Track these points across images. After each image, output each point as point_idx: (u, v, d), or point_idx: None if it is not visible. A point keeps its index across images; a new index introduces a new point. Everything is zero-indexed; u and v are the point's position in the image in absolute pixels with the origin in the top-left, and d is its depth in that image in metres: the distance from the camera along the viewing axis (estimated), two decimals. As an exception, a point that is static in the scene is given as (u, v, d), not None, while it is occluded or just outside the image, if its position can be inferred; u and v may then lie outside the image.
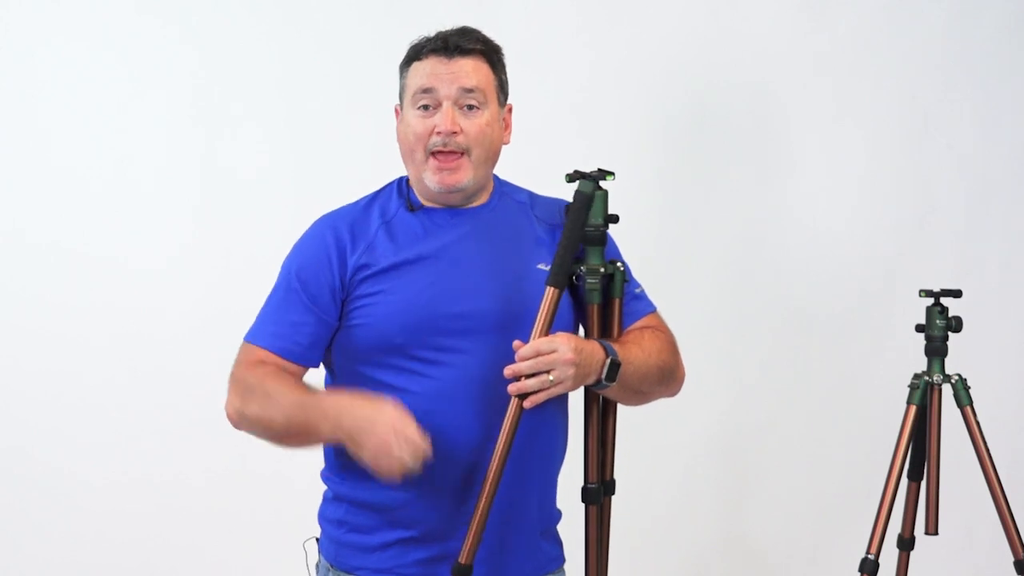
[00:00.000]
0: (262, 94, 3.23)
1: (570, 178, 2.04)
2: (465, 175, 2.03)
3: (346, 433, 1.89)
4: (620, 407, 2.13)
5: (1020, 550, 2.85)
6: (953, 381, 2.86)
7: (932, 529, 2.83)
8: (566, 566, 2.18)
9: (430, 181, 2.03)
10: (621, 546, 2.33)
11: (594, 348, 1.96)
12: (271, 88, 3.23)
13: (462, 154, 2.03)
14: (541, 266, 2.05)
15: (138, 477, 3.18)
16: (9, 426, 3.14)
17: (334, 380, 2.10)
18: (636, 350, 2.03)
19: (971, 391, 2.86)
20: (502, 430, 1.94)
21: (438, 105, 2.02)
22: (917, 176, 3.64)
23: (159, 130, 3.19)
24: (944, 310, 2.87)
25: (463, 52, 2.03)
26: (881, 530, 2.84)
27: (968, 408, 2.85)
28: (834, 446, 3.59)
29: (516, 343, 1.93)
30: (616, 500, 2.13)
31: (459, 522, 1.98)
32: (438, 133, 2.01)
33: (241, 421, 2.01)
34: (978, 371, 2.99)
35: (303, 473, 2.37)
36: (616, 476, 2.13)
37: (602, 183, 2.02)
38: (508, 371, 1.93)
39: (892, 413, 2.95)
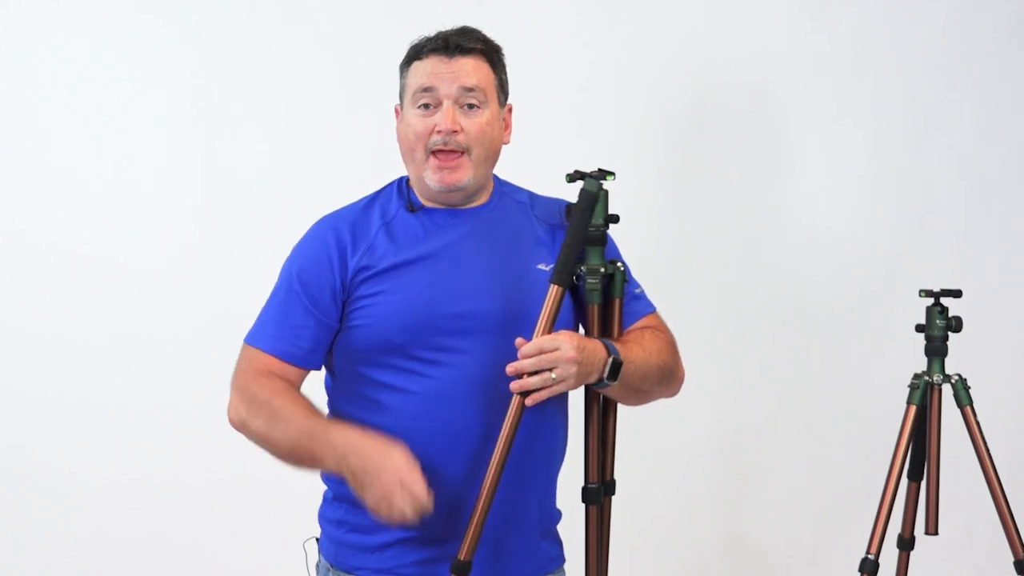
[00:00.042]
0: (262, 94, 3.23)
1: (570, 178, 2.04)
2: (465, 174, 2.03)
3: (351, 472, 1.90)
4: (620, 407, 2.13)
5: (1020, 550, 2.85)
6: (953, 381, 2.86)
7: (932, 529, 2.83)
8: (566, 566, 2.18)
9: (430, 180, 2.03)
10: (621, 546, 2.33)
11: (596, 347, 1.96)
12: (271, 88, 3.23)
13: (462, 153, 2.03)
14: (541, 266, 2.06)
15: (138, 477, 3.18)
16: (9, 426, 3.14)
17: (334, 381, 2.10)
18: (637, 349, 2.03)
19: (971, 391, 2.86)
20: (503, 427, 1.94)
21: (438, 104, 2.02)
22: (917, 176, 3.64)
23: (159, 130, 3.19)
24: (944, 310, 2.87)
25: (463, 51, 2.03)
26: (881, 530, 2.84)
27: (968, 408, 2.85)
28: (834, 446, 3.59)
29: (519, 340, 1.93)
30: (616, 500, 2.13)
31: (459, 522, 1.98)
32: (438, 132, 2.01)
33: (243, 430, 2.01)
34: (978, 371, 2.99)
35: (303, 473, 2.37)
36: (616, 476, 2.13)
37: (602, 183, 2.02)
38: (511, 368, 1.92)
39: (892, 413, 2.94)
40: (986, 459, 2.85)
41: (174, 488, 3.19)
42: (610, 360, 1.96)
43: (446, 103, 2.02)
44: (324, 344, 2.04)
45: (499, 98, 2.08)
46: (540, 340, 1.92)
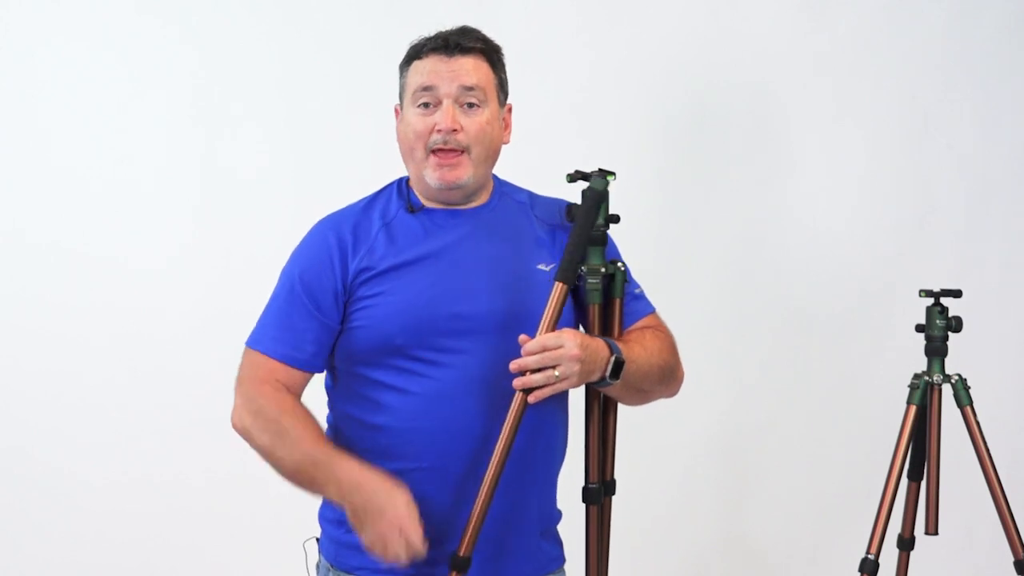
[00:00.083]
0: (262, 94, 3.23)
1: (571, 178, 2.04)
2: (465, 172, 2.03)
3: (352, 508, 1.92)
4: (620, 407, 2.13)
5: (1020, 550, 2.85)
6: (953, 381, 2.86)
7: (932, 529, 2.83)
8: (566, 566, 2.18)
9: (430, 178, 2.03)
10: (621, 546, 2.33)
11: (599, 345, 1.96)
12: (271, 88, 3.23)
13: (462, 152, 2.03)
14: (541, 266, 2.06)
15: (138, 477, 3.18)
16: (9, 426, 3.14)
17: (335, 382, 2.09)
18: (639, 349, 2.03)
19: (971, 391, 2.86)
20: (505, 424, 1.94)
21: (438, 103, 2.02)
22: (917, 176, 3.64)
23: (159, 130, 3.19)
24: (944, 310, 2.87)
25: (463, 51, 2.03)
26: (881, 530, 2.84)
27: (968, 408, 2.85)
28: (834, 446, 3.59)
29: (522, 337, 1.93)
30: (616, 500, 2.13)
31: (459, 523, 1.98)
32: (438, 131, 2.01)
33: (246, 437, 2.01)
34: (978, 371, 2.99)
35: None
36: (616, 476, 2.13)
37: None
38: (514, 365, 1.92)
39: (892, 413, 2.94)
40: (986, 459, 2.85)
41: (174, 488, 3.19)
42: (612, 359, 1.96)
43: (446, 102, 2.02)
44: (327, 346, 2.04)
45: (499, 98, 2.08)
46: (544, 337, 1.92)
